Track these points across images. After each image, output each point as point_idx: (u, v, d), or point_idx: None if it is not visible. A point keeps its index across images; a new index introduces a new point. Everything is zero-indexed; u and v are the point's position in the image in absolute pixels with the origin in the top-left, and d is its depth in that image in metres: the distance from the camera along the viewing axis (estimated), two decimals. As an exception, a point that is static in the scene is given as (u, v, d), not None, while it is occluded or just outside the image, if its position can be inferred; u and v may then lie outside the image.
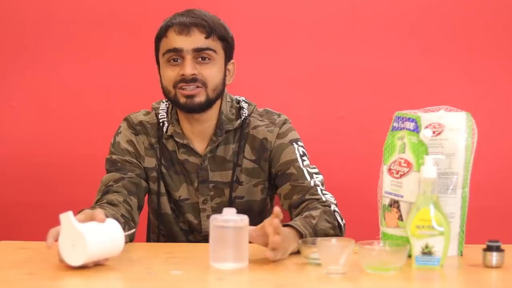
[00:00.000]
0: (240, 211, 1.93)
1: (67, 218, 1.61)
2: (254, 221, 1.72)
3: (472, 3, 2.95)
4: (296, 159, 2.06)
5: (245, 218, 1.66)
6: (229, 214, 1.65)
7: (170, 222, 2.14)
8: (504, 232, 2.82)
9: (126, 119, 2.15)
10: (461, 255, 1.79)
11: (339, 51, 2.97)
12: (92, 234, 1.61)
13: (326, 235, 1.84)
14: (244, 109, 2.12)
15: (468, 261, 1.74)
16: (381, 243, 1.68)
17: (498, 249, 1.66)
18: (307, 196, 1.99)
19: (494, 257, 1.66)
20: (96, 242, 1.61)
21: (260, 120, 2.12)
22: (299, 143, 2.11)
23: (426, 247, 1.64)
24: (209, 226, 1.66)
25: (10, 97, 2.99)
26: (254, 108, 2.14)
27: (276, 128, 2.11)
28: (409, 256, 1.65)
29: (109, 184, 2.02)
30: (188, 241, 2.14)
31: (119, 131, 2.14)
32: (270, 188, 2.14)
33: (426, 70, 2.96)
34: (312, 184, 2.01)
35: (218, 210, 2.05)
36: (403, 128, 1.76)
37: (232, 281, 1.59)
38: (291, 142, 2.10)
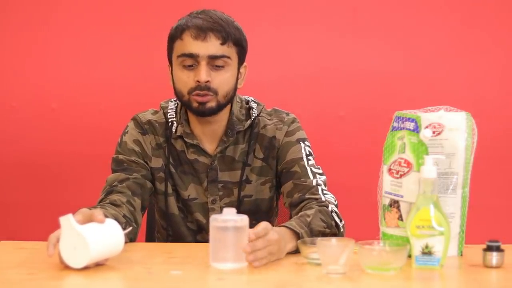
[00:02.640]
0: (248, 210, 1.93)
1: (67, 221, 1.61)
2: (261, 221, 1.72)
3: (472, 3, 2.95)
4: (302, 157, 2.06)
5: (245, 218, 1.66)
6: (229, 214, 1.65)
7: (177, 223, 2.13)
8: (504, 232, 2.84)
9: (134, 119, 2.14)
10: (461, 255, 1.79)
11: (339, 51, 2.97)
12: (93, 236, 1.60)
13: (323, 234, 1.84)
14: (253, 109, 2.12)
15: (468, 261, 1.74)
16: (381, 243, 1.68)
17: (498, 249, 1.66)
18: (307, 195, 1.99)
19: (494, 257, 1.66)
20: (97, 244, 1.60)
21: (269, 119, 2.12)
22: (306, 142, 2.11)
23: (426, 247, 1.64)
24: (209, 226, 1.66)
25: (10, 97, 2.99)
26: (262, 107, 2.15)
27: (285, 126, 2.11)
28: (409, 256, 1.65)
29: (114, 184, 2.02)
30: (196, 241, 2.14)
31: (126, 130, 2.13)
32: (277, 187, 2.14)
33: (426, 70, 2.96)
34: (314, 183, 2.01)
35: None
36: (403, 128, 1.76)
37: (232, 281, 1.59)
38: (298, 141, 2.10)
